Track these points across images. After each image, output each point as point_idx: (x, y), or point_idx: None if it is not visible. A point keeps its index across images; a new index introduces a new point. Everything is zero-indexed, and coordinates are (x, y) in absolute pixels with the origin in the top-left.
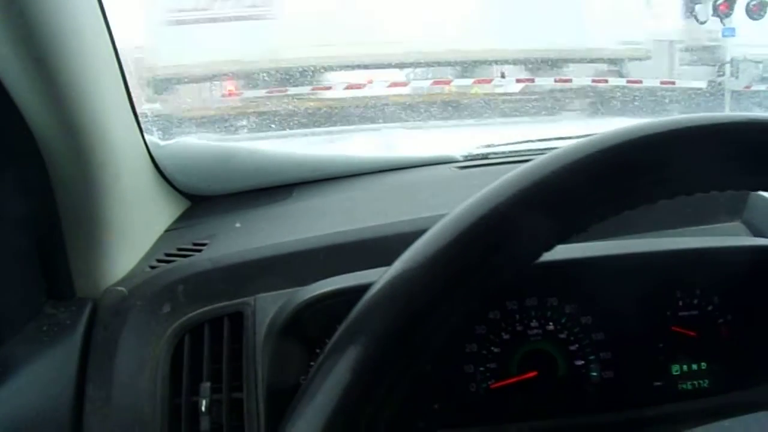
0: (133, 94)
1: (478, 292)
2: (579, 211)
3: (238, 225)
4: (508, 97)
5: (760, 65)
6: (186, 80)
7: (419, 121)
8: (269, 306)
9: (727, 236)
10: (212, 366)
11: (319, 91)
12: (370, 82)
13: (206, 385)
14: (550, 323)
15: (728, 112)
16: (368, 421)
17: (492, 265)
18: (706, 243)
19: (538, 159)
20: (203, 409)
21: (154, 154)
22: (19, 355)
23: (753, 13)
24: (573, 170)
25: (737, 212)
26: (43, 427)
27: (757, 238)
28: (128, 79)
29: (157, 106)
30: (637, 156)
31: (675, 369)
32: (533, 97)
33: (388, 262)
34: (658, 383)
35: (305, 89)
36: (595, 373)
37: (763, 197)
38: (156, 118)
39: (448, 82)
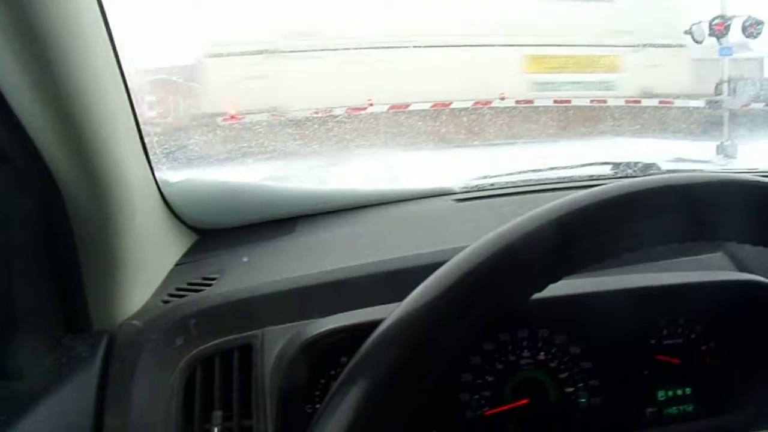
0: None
1: (476, 330)
2: (559, 262)
3: (245, 259)
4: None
5: (758, 84)
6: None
7: (419, 144)
8: (277, 339)
9: (710, 270)
10: (223, 395)
11: (319, 114)
12: (371, 104)
13: (218, 414)
14: (542, 353)
15: (726, 130)
16: None
17: (488, 306)
18: (689, 278)
19: (524, 216)
20: None
21: (164, 191)
22: (41, 387)
23: (749, 32)
24: (561, 226)
25: (720, 244)
26: None
27: (738, 273)
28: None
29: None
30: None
31: (661, 395)
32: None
33: (389, 296)
34: (645, 408)
35: (307, 113)
36: (583, 400)
37: None
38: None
39: (448, 104)
